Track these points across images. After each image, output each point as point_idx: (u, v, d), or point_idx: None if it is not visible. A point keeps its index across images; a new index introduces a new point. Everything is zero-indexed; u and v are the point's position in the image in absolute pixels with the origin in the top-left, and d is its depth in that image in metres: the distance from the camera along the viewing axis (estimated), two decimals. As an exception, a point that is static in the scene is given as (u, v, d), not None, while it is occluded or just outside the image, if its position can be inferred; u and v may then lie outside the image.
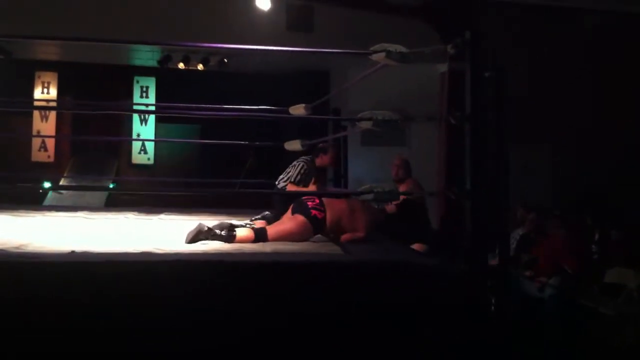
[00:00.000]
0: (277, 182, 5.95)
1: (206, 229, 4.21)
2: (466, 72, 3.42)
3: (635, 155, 8.52)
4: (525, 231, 7.17)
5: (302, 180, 5.72)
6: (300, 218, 4.38)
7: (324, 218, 4.38)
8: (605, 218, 7.38)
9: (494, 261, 3.62)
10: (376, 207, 4.84)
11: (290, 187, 5.66)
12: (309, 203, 4.43)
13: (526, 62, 8.52)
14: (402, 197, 5.49)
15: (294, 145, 5.31)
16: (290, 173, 5.83)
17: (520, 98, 7.62)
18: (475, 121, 3.40)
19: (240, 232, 4.30)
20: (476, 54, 3.42)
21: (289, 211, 4.52)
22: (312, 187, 5.80)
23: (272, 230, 4.38)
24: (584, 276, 6.25)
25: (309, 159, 5.82)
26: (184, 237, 4.20)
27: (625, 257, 6.43)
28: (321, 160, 5.86)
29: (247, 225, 4.59)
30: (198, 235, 4.18)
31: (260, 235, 4.31)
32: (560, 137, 9.16)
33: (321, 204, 4.45)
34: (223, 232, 4.23)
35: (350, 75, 7.98)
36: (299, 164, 5.79)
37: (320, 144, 5.83)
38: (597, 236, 7.06)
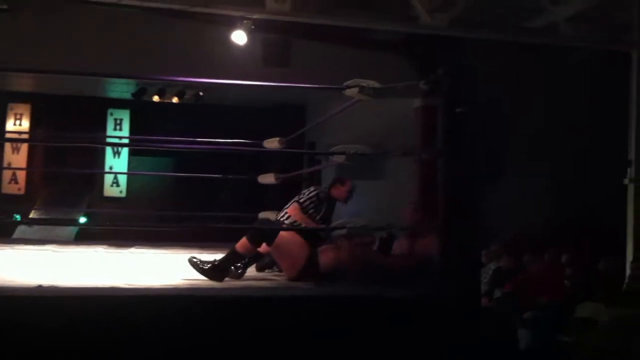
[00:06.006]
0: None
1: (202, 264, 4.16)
2: (439, 108, 3.46)
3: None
4: (498, 265, 7.18)
5: (309, 207, 5.09)
6: None
7: None
8: (600, 242, 7.40)
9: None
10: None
11: (294, 209, 5.07)
12: None
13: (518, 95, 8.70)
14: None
15: (267, 178, 5.24)
16: (302, 195, 5.27)
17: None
18: (447, 156, 3.42)
19: None
20: (449, 90, 3.46)
21: None
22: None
23: None
24: (559, 310, 6.26)
25: (325, 189, 5.22)
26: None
27: (607, 290, 6.41)
28: (337, 192, 5.19)
29: None
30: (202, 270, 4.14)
31: None
32: (556, 165, 9.23)
33: None
34: (239, 270, 4.23)
35: (327, 108, 8.02)
36: (314, 191, 5.19)
37: (337, 176, 5.29)
38: (569, 271, 7.08)
